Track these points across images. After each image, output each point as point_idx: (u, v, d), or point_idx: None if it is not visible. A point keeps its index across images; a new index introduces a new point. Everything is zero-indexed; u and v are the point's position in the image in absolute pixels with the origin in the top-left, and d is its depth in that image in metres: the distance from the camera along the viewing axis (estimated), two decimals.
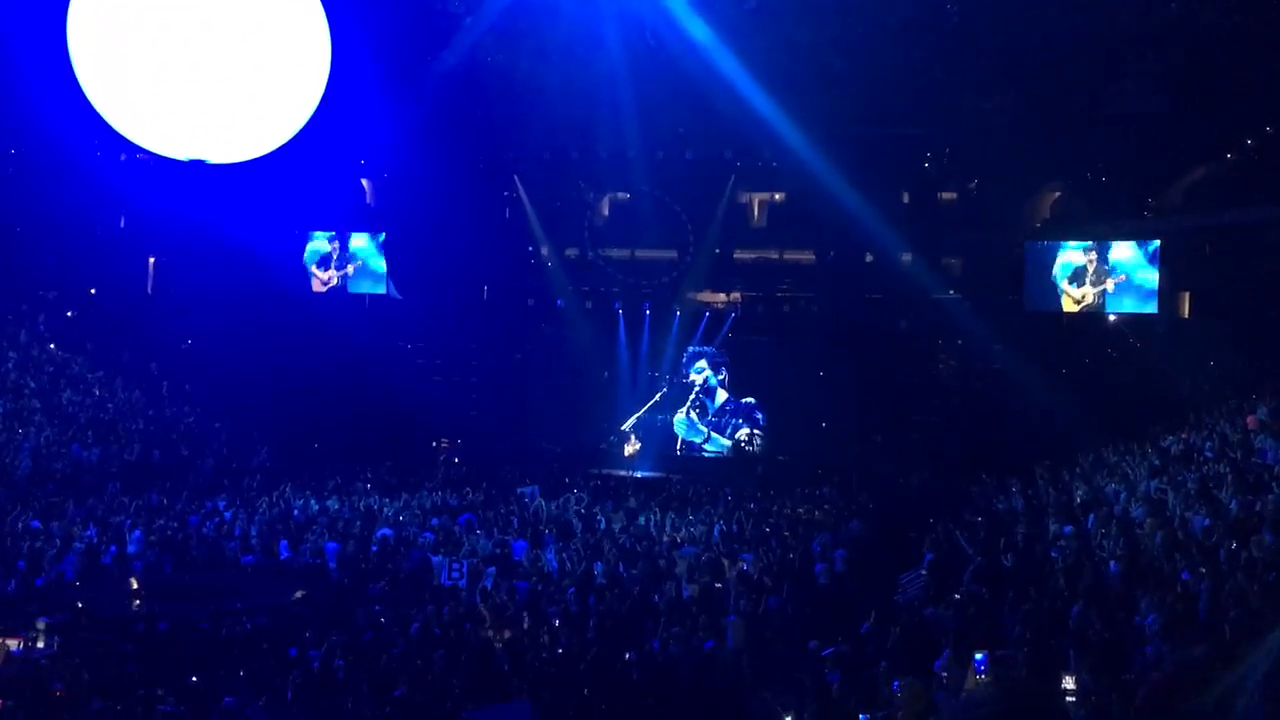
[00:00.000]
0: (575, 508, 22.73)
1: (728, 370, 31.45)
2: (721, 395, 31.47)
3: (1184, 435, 19.60)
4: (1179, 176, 26.85)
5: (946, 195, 30.41)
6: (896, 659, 10.97)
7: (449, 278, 32.27)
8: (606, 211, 33.01)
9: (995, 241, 29.06)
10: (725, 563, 17.96)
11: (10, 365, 26.83)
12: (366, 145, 30.57)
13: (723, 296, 32.45)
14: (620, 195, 32.47)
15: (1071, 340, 28.16)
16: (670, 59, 24.39)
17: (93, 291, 32.51)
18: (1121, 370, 27.26)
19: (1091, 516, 15.66)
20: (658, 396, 31.61)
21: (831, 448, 29.24)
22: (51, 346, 28.97)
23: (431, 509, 22.41)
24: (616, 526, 21.14)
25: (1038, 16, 23.35)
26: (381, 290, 31.97)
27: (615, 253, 32.33)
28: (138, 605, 16.73)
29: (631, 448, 31.39)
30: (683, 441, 31.55)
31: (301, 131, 7.69)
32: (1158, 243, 26.51)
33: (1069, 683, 8.34)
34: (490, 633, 14.58)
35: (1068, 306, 27.51)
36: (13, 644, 13.39)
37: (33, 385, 26.43)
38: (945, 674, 9.90)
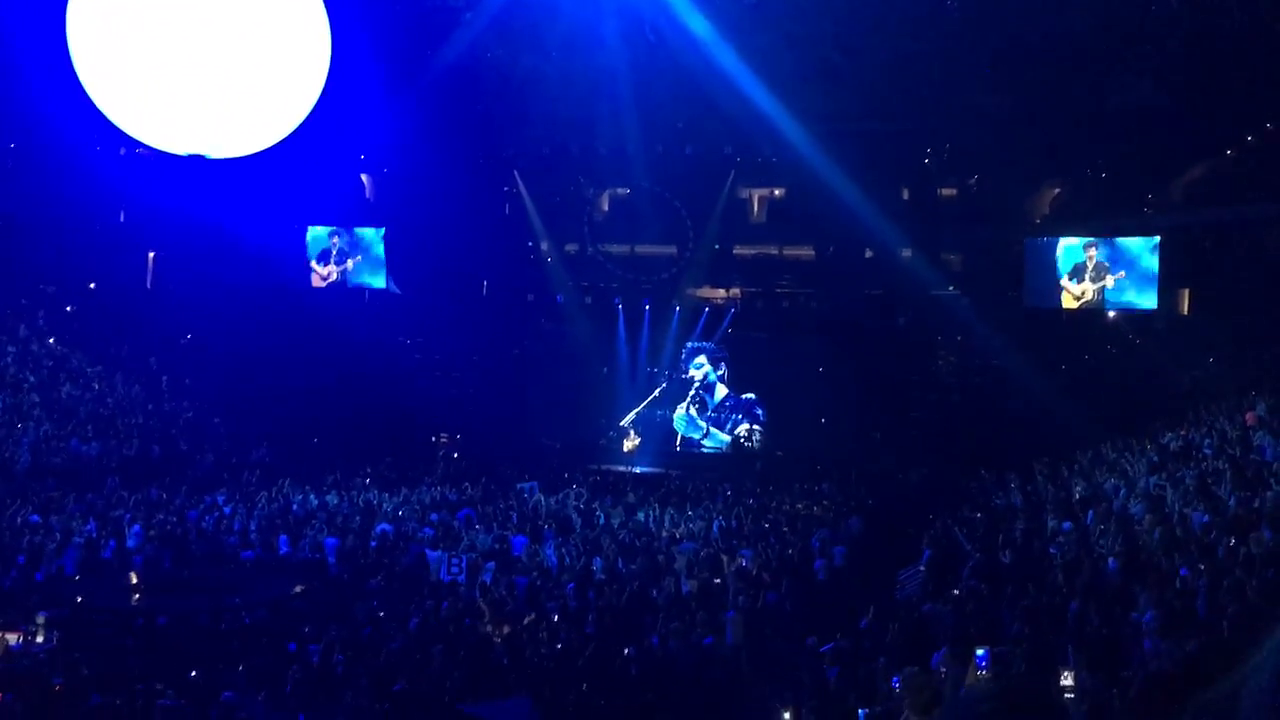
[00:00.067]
0: (574, 503, 22.74)
1: (727, 366, 31.48)
2: (721, 391, 31.49)
3: (1183, 431, 19.60)
4: (1179, 173, 26.85)
5: (946, 191, 30.43)
6: (895, 654, 10.96)
7: (448, 273, 32.28)
8: (606, 207, 33.02)
9: (995, 237, 29.09)
10: (724, 558, 17.96)
11: (9, 359, 26.82)
12: (366, 140, 30.56)
13: (722, 292, 32.47)
14: (620, 190, 32.48)
15: (1071, 336, 28.17)
16: (670, 54, 24.40)
17: (92, 286, 32.49)
18: (1121, 366, 27.28)
19: (1090, 513, 15.66)
20: (657, 392, 31.63)
21: (831, 443, 29.25)
22: (51, 341, 28.95)
23: (431, 504, 22.42)
24: (615, 522, 21.15)
25: (1037, 12, 23.36)
26: (382, 281, 31.95)
27: (615, 248, 32.35)
28: (137, 600, 16.73)
29: (631, 443, 31.40)
30: (682, 437, 31.57)
31: (301, 126, 7.69)
32: (1157, 239, 26.50)
33: (1067, 679, 8.34)
34: (489, 628, 14.59)
35: (1067, 303, 27.51)
36: (12, 638, 13.39)
37: (32, 379, 26.43)
38: (943, 669, 9.90)
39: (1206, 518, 12.83)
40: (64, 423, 25.07)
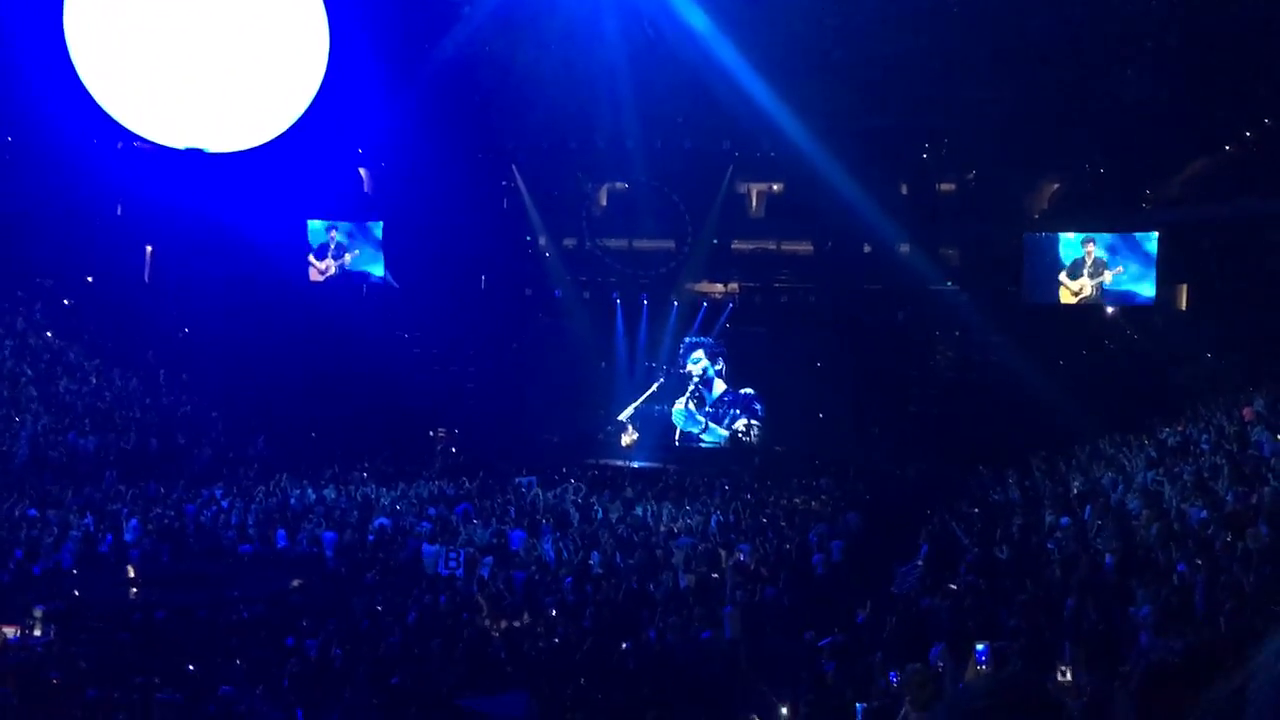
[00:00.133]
0: (572, 498, 22.74)
1: (725, 361, 31.45)
2: (719, 386, 31.47)
3: (1180, 427, 19.61)
4: (1178, 168, 26.83)
5: (945, 186, 30.43)
6: (892, 649, 10.99)
7: (446, 267, 32.23)
8: (604, 201, 32.99)
9: (993, 233, 29.07)
10: (722, 553, 17.99)
11: (7, 353, 26.78)
12: (365, 134, 30.50)
13: (720, 287, 32.45)
14: (618, 185, 32.46)
15: (1069, 332, 28.17)
16: (669, 49, 24.39)
17: (90, 280, 32.45)
18: (1119, 362, 27.30)
19: (1088, 508, 15.68)
20: (654, 387, 31.61)
21: (828, 439, 29.25)
22: (48, 334, 28.91)
23: (428, 498, 22.43)
24: (613, 516, 21.16)
25: (1036, 7, 23.35)
26: (380, 269, 31.89)
27: (613, 243, 32.32)
28: (135, 593, 16.75)
29: (629, 438, 31.39)
30: (681, 432, 31.56)
31: (300, 120, 7.68)
32: (1156, 235, 26.50)
33: (1064, 674, 8.35)
34: (487, 622, 14.60)
35: (1065, 298, 27.51)
36: (10, 632, 13.39)
37: (30, 373, 26.39)
38: (940, 664, 9.92)
39: (1204, 513, 12.85)
40: (62, 417, 25.05)
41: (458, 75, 27.43)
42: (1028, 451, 22.92)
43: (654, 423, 31.47)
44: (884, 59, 25.08)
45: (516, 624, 14.63)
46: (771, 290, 31.99)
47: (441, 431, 31.79)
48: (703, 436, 31.47)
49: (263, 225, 30.19)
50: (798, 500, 23.13)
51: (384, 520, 20.05)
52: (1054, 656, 9.09)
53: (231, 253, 30.05)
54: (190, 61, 6.68)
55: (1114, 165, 27.58)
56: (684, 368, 31.55)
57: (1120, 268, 26.77)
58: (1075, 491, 17.76)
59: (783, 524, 20.36)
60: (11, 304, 29.19)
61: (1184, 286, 27.69)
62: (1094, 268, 27.04)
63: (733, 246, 31.94)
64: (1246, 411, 18.05)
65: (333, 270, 32.16)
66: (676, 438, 31.50)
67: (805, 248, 31.71)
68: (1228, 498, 13.11)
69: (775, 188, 32.00)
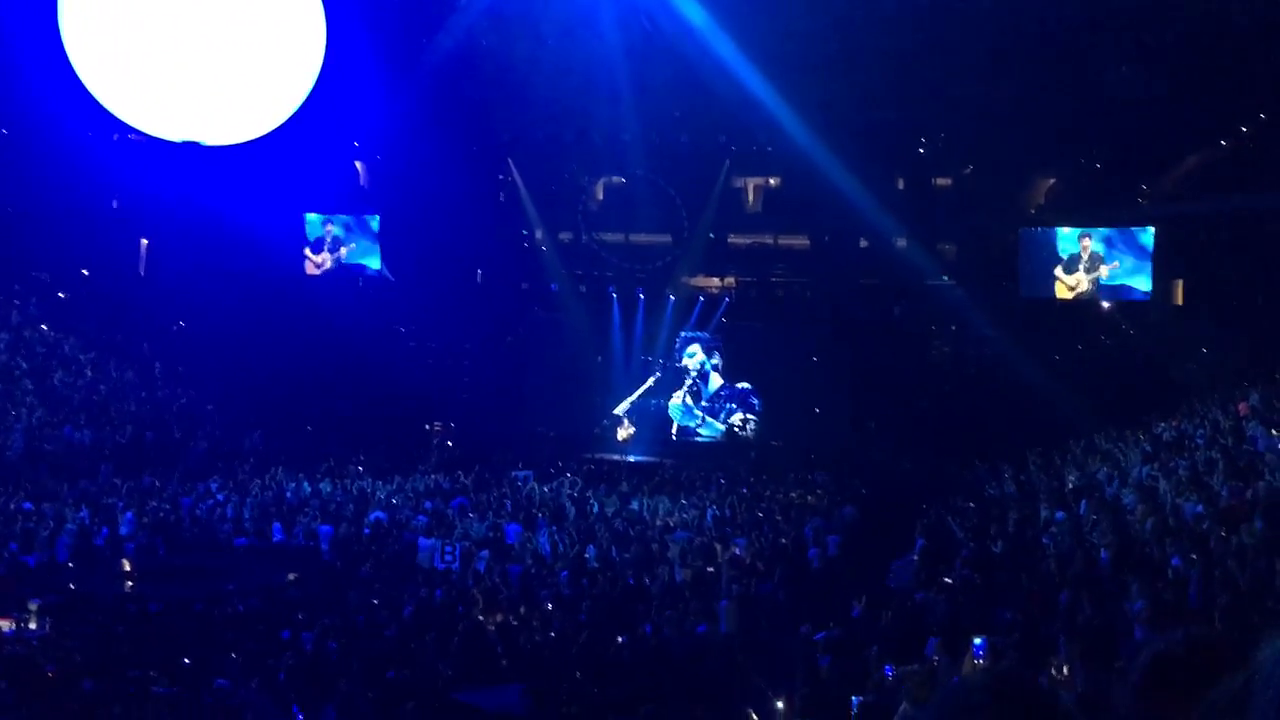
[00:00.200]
0: (568, 491, 22.76)
1: (721, 355, 31.44)
2: (716, 380, 31.45)
3: (1176, 422, 19.66)
4: (1174, 163, 26.84)
5: (941, 181, 30.39)
6: (888, 643, 11.00)
7: (443, 261, 32.16)
8: (601, 195, 32.94)
9: (990, 227, 29.08)
10: (718, 547, 18.00)
11: (2, 346, 26.75)
12: (360, 127, 30.44)
13: (717, 281, 32.42)
14: (615, 179, 32.40)
15: (1065, 327, 28.20)
16: (666, 43, 24.35)
17: (85, 273, 32.38)
18: (1115, 357, 27.33)
19: (1083, 502, 15.71)
20: (651, 381, 31.59)
21: (825, 433, 29.27)
22: (43, 327, 28.85)
23: (424, 492, 22.44)
24: (609, 510, 21.18)
25: (1032, 3, 23.31)
26: (377, 263, 31.85)
27: (609, 236, 32.26)
28: (130, 587, 16.74)
29: (625, 432, 31.38)
30: (678, 426, 31.55)
31: (296, 113, 7.66)
32: (1152, 229, 26.50)
33: (1059, 669, 8.37)
34: (482, 615, 14.61)
35: (1061, 293, 27.51)
36: (4, 625, 13.39)
37: (25, 366, 26.36)
38: (935, 659, 9.93)
39: (1199, 508, 12.88)
40: (57, 410, 25.02)
41: (454, 69, 27.37)
42: (1023, 446, 22.97)
43: (650, 417, 31.45)
44: (881, 54, 25.06)
45: (512, 618, 14.63)
46: (768, 285, 31.96)
47: (437, 425, 31.78)
48: (699, 431, 31.47)
49: (259, 219, 30.09)
50: (794, 494, 23.14)
51: (380, 514, 20.05)
52: (1049, 651, 9.11)
53: (227, 246, 29.96)
54: (186, 53, 6.66)
55: (1110, 160, 27.56)
56: (680, 362, 31.51)
57: (1116, 262, 26.76)
58: (1070, 486, 17.82)
59: (778, 518, 20.38)
60: (6, 297, 29.13)
61: (1180, 281, 27.70)
62: (1090, 263, 27.04)
63: (729, 241, 31.90)
64: (1242, 406, 18.10)
65: (329, 264, 32.11)
66: (673, 432, 31.49)
67: (802, 242, 31.67)
68: (1223, 492, 13.15)
69: (772, 182, 31.95)
